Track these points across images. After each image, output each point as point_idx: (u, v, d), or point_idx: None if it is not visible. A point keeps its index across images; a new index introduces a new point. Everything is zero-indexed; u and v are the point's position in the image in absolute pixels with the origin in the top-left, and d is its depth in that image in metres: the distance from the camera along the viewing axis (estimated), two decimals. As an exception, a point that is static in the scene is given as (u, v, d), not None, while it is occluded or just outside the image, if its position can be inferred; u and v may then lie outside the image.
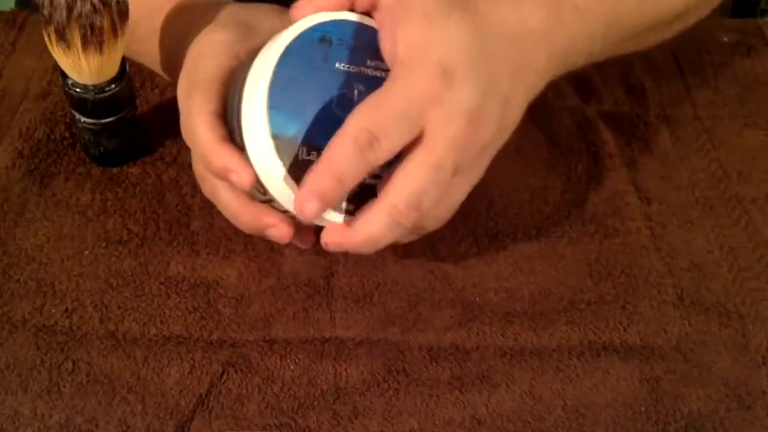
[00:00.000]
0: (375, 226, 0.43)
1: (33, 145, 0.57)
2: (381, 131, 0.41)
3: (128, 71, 0.52)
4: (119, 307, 0.49)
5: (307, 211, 0.41)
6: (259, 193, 0.45)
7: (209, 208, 0.54)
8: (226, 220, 0.53)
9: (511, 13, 0.48)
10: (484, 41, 0.45)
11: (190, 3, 0.53)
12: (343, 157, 0.41)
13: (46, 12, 0.47)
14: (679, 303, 0.51)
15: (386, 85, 0.43)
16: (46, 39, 0.48)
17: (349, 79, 0.44)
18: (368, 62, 0.45)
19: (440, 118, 0.43)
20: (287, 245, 0.52)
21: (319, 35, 0.44)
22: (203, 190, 0.49)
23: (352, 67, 0.45)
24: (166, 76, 0.56)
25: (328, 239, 0.44)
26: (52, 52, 0.49)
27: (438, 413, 0.46)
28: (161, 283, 0.50)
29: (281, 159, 0.42)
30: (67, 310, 0.49)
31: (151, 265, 0.51)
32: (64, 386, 0.45)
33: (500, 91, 0.45)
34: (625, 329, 0.50)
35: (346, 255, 0.52)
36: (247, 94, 0.43)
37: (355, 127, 0.41)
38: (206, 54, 0.47)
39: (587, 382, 0.47)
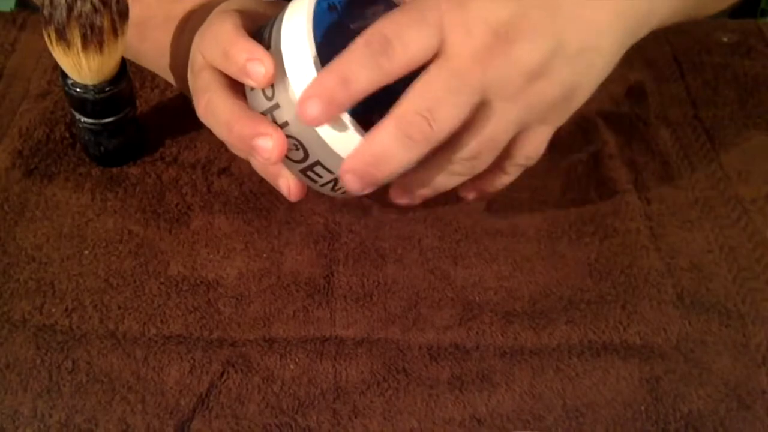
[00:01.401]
0: (384, 138, 0.40)
1: (33, 145, 0.57)
2: (395, 34, 0.39)
3: (128, 71, 0.52)
4: (119, 307, 0.49)
5: (308, 112, 0.39)
6: (265, 99, 0.43)
7: (209, 207, 0.54)
8: (227, 220, 0.53)
9: None
10: None
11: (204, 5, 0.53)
12: (352, 58, 0.39)
13: (46, 12, 0.47)
14: (679, 303, 0.51)
15: (404, 3, 0.41)
16: (46, 39, 0.48)
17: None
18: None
19: (459, 25, 0.39)
20: (287, 245, 0.52)
21: (327, 3, 0.45)
22: (198, 109, 0.46)
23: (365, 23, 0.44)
24: (169, 77, 0.56)
25: (343, 167, 0.42)
26: (52, 52, 0.49)
27: (438, 413, 0.46)
28: (161, 283, 0.50)
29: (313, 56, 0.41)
30: (66, 309, 0.49)
31: (151, 265, 0.51)
32: (64, 386, 0.45)
33: (544, 5, 0.40)
34: (625, 329, 0.50)
35: (346, 254, 0.52)
36: (286, 20, 0.43)
37: (369, 32, 0.39)
38: (227, 4, 0.47)
39: (587, 381, 0.47)
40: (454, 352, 0.48)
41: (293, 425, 0.45)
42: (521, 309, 0.50)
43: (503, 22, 0.39)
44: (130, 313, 0.49)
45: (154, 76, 0.61)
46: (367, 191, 0.43)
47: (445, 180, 0.45)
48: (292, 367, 0.47)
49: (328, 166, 0.44)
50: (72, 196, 0.54)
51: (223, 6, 0.49)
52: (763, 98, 0.65)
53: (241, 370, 0.47)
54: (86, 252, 0.51)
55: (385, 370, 0.47)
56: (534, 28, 0.40)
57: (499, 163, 0.45)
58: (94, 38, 0.47)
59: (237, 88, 0.45)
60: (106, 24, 0.47)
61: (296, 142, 0.43)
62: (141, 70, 0.59)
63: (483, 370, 0.48)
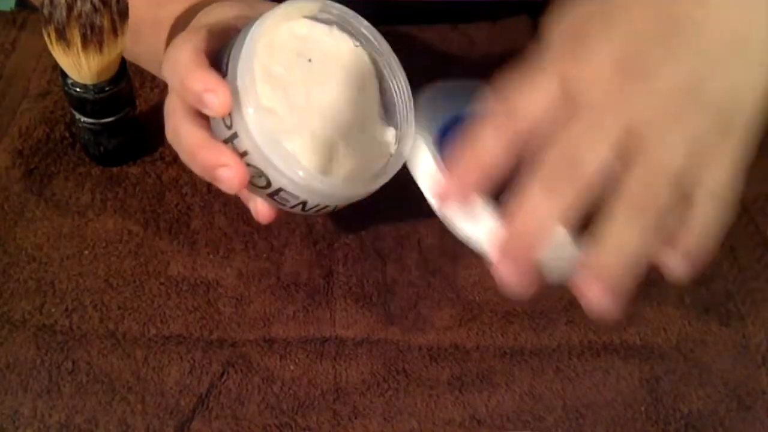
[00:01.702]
0: (531, 198, 0.38)
1: (33, 145, 0.57)
2: (516, 102, 0.38)
3: (128, 71, 0.52)
4: (119, 307, 0.49)
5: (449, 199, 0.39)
6: (225, 128, 0.44)
7: (209, 207, 0.54)
8: (227, 220, 0.53)
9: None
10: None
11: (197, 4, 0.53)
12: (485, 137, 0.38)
13: (46, 11, 0.47)
14: (679, 303, 0.51)
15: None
16: (46, 39, 0.48)
17: None
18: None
19: (578, 77, 0.38)
20: (287, 245, 0.52)
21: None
22: (167, 132, 0.46)
23: None
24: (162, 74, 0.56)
25: (496, 259, 0.39)
26: (52, 51, 0.49)
27: (438, 413, 0.46)
28: (161, 283, 0.50)
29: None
30: (67, 309, 0.49)
31: (151, 265, 0.51)
32: (64, 386, 0.45)
33: (668, 33, 0.38)
34: (625, 329, 0.50)
35: (346, 254, 0.52)
36: (242, 46, 0.43)
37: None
38: (205, 15, 0.47)
39: (587, 381, 0.47)
40: (454, 352, 0.48)
41: (293, 425, 0.45)
42: (521, 309, 0.50)
43: (626, 51, 0.38)
44: (130, 314, 0.49)
45: (153, 76, 0.61)
46: (524, 285, 0.39)
47: (636, 240, 0.38)
48: (292, 367, 0.47)
49: (291, 191, 0.44)
50: (72, 196, 0.54)
51: (195, 21, 0.49)
52: (763, 98, 0.65)
53: (241, 371, 0.47)
54: (86, 252, 0.51)
55: (385, 371, 0.47)
56: (668, 51, 0.38)
57: (689, 202, 0.39)
58: (94, 38, 0.47)
59: (201, 115, 0.45)
60: (106, 24, 0.47)
61: (258, 171, 0.44)
62: (141, 71, 0.59)
63: (483, 370, 0.48)
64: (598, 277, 0.38)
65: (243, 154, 0.44)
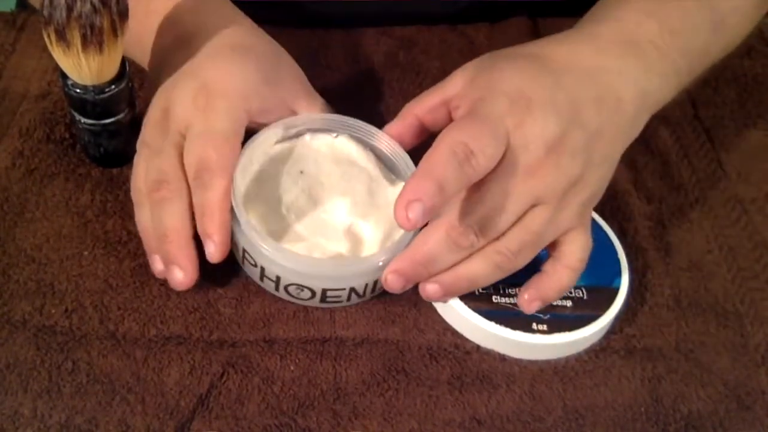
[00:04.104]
0: (431, 240, 0.44)
1: (33, 145, 0.57)
2: (476, 145, 0.42)
3: (128, 71, 0.52)
4: (119, 308, 0.49)
5: (411, 216, 0.41)
6: (251, 266, 0.49)
7: (209, 208, 0.54)
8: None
9: (582, 50, 0.48)
10: (556, 75, 0.46)
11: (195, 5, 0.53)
12: (444, 166, 0.41)
13: (46, 12, 0.47)
14: (678, 303, 0.51)
15: (471, 112, 0.45)
16: (46, 39, 0.48)
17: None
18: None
19: (519, 143, 0.43)
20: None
21: None
22: (148, 178, 0.48)
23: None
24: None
25: (390, 267, 0.46)
26: (52, 52, 0.49)
27: (438, 413, 0.46)
28: (161, 283, 0.50)
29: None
30: (66, 310, 0.49)
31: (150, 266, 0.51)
32: (64, 386, 0.45)
33: (583, 121, 0.45)
34: (624, 329, 0.50)
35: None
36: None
37: (450, 140, 0.42)
38: (228, 87, 0.48)
39: (587, 382, 0.47)
40: (454, 352, 0.48)
41: (293, 426, 0.45)
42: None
43: (556, 137, 0.44)
44: (130, 314, 0.49)
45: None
46: (406, 289, 0.47)
47: (486, 272, 0.46)
48: (292, 367, 0.47)
49: (360, 290, 0.49)
50: (72, 197, 0.54)
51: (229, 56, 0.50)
52: (763, 98, 0.65)
53: (241, 371, 0.47)
54: (86, 253, 0.51)
55: (385, 371, 0.47)
56: (575, 146, 0.44)
57: (552, 267, 0.47)
58: (93, 38, 0.47)
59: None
60: (106, 24, 0.47)
61: (300, 287, 0.48)
62: (141, 71, 0.59)
63: (483, 370, 0.48)
64: (443, 286, 0.46)
65: (276, 280, 0.48)
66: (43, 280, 0.50)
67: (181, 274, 0.46)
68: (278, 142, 0.52)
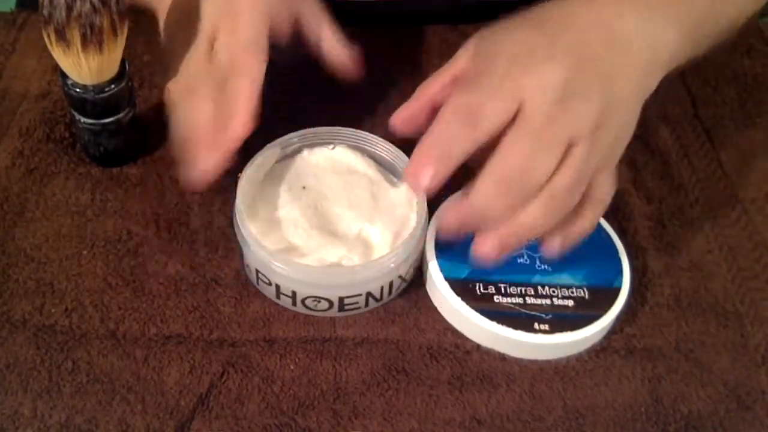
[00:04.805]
0: (484, 196, 0.44)
1: (33, 145, 0.57)
2: (477, 103, 0.43)
3: (128, 71, 0.52)
4: (119, 307, 0.49)
5: (421, 182, 0.42)
6: (266, 285, 0.49)
7: (209, 207, 0.54)
8: (226, 220, 0.53)
9: (580, 4, 0.48)
10: (556, 27, 0.46)
11: None
12: (447, 127, 0.43)
13: (45, 12, 0.47)
14: (678, 303, 0.51)
15: (473, 77, 0.45)
16: (46, 39, 0.48)
17: None
18: None
19: (531, 94, 0.43)
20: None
21: None
22: (179, 83, 0.50)
23: None
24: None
25: (445, 221, 0.46)
26: (52, 52, 0.49)
27: (438, 413, 0.46)
28: (161, 283, 0.50)
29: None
30: (66, 309, 0.49)
31: (150, 265, 0.51)
32: (64, 386, 0.45)
33: (592, 63, 0.45)
34: (624, 329, 0.50)
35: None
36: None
37: (452, 103, 0.43)
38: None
39: (587, 382, 0.47)
40: (455, 352, 0.48)
41: (293, 425, 0.45)
42: (521, 309, 0.50)
43: (564, 80, 0.44)
44: (130, 313, 0.49)
45: (153, 75, 0.61)
46: (458, 237, 0.47)
47: (542, 220, 0.45)
48: (292, 367, 0.47)
49: (376, 293, 0.49)
50: (72, 196, 0.54)
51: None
52: (763, 98, 0.65)
53: (241, 371, 0.47)
54: (86, 252, 0.51)
55: (385, 371, 0.47)
56: (587, 87, 0.44)
57: (580, 206, 0.47)
58: (93, 38, 0.47)
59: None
60: (106, 24, 0.47)
61: (318, 299, 0.48)
62: (141, 70, 0.59)
63: (483, 370, 0.48)
64: (499, 238, 0.45)
65: (293, 296, 0.48)
66: (43, 279, 0.50)
67: (212, 161, 0.48)
68: (278, 161, 0.53)
